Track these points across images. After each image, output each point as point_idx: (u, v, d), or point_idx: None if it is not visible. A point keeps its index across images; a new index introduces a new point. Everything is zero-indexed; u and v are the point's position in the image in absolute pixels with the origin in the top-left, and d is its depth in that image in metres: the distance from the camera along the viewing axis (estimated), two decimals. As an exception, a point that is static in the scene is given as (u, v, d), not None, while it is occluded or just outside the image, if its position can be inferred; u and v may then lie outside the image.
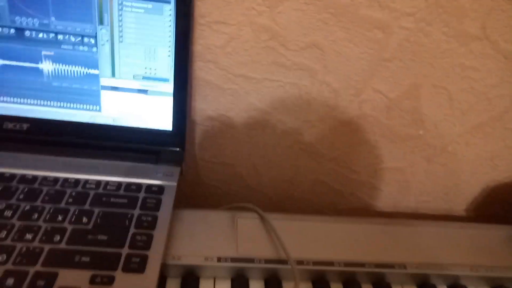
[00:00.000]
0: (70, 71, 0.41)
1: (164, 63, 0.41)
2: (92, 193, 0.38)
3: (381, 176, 0.55)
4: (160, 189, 0.40)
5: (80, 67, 0.41)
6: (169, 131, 0.44)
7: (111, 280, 0.31)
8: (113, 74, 0.42)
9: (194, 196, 0.56)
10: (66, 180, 0.39)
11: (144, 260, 0.33)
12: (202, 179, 0.55)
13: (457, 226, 0.45)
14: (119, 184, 0.40)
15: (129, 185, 0.40)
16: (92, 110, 0.43)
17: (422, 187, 0.56)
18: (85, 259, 0.32)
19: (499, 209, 0.58)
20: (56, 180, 0.39)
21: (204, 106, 0.47)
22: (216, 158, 0.53)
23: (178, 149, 0.44)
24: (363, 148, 0.52)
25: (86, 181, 0.39)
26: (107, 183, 0.40)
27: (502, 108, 0.49)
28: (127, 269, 0.32)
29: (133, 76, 0.42)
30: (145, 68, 0.41)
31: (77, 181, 0.39)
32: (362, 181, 0.55)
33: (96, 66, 0.41)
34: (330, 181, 0.55)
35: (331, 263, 0.38)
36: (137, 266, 0.32)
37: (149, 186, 0.40)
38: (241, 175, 0.55)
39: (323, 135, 0.51)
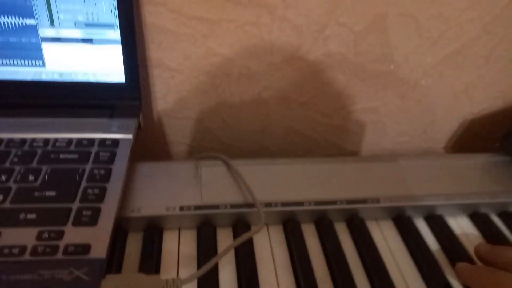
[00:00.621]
0: (5, 23, 0.38)
1: (106, 6, 0.38)
2: (39, 151, 0.36)
3: (355, 118, 0.53)
4: (115, 142, 0.37)
5: (15, 18, 0.38)
6: (122, 83, 0.41)
7: (60, 234, 0.29)
8: (52, 23, 0.38)
9: (163, 155, 0.54)
10: (10, 140, 0.36)
11: (96, 213, 0.31)
12: (169, 137, 0.52)
13: (432, 158, 0.43)
14: (70, 141, 0.37)
15: (80, 140, 0.37)
16: (36, 65, 0.40)
17: (398, 127, 0.54)
18: (31, 216, 0.30)
19: (479, 143, 0.57)
20: (-1, 141, 0.36)
21: (160, 55, 0.44)
22: (182, 113, 0.50)
23: (133, 101, 0.41)
24: (333, 90, 0.49)
25: (33, 140, 0.37)
26: (56, 140, 0.37)
27: (473, 34, 0.46)
28: (77, 223, 0.30)
29: (74, 23, 0.38)
30: (86, 13, 0.38)
31: (23, 141, 0.36)
32: (335, 125, 0.53)
33: (32, 15, 0.38)
34: (303, 128, 0.53)
35: (300, 203, 0.36)
36: (89, 219, 0.30)
37: (103, 140, 0.37)
38: (210, 130, 0.52)
39: (291, 78, 0.48)
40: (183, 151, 0.54)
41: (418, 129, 0.55)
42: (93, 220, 0.30)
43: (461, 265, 0.32)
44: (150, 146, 0.52)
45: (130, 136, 0.38)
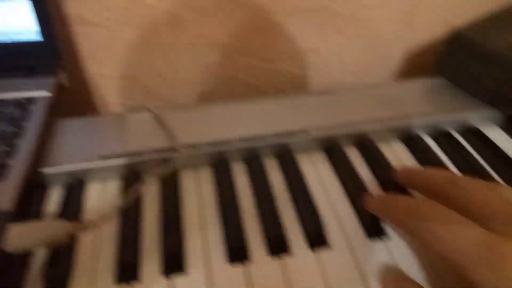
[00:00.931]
0: None
1: (3, -44, 0.36)
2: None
3: (297, 61, 0.51)
4: (30, 100, 0.36)
5: None
6: (38, 41, 0.39)
7: (-39, 191, 0.28)
8: None
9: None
10: None
11: (4, 168, 0.30)
12: (106, 98, 0.51)
13: (366, 87, 0.42)
14: (-20, 102, 0.35)
15: (-6, 101, 0.36)
16: None
17: (343, 66, 0.53)
18: None
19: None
20: None
21: (78, 10, 0.42)
22: (115, 71, 0.48)
23: (51, 59, 0.40)
24: (269, 32, 0.48)
25: None
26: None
27: (405, -43, 0.44)
28: (-16, 178, 0.29)
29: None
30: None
31: None
32: (278, 70, 0.52)
33: None
34: (244, 76, 0.52)
35: (227, 142, 0.35)
36: (-4, 174, 0.29)
37: (17, 100, 0.36)
38: (149, 87, 0.51)
39: (223, 23, 0.46)
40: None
41: (364, 66, 0.54)
42: (1, 175, 0.29)
43: (366, 196, 0.31)
44: (88, 109, 0.51)
45: (47, 94, 0.37)
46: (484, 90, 0.38)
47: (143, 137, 0.36)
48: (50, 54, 0.40)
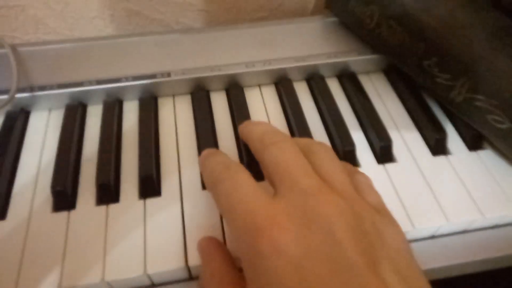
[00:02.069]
0: None
1: None
2: None
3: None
4: None
5: None
6: None
7: None
8: None
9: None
10: None
11: None
12: (-3, 31, 0.47)
13: (251, 25, 0.39)
14: None
15: None
16: None
17: (252, 1, 0.49)
18: None
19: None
20: None
21: None
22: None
23: None
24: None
25: None
26: None
27: None
28: None
29: None
30: None
31: None
32: (180, 3, 0.48)
33: None
34: (145, 10, 0.48)
35: (80, 84, 0.33)
36: None
37: None
38: (38, 18, 0.47)
39: None
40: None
41: (275, 1, 0.50)
42: None
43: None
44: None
45: None
46: (367, 33, 0.36)
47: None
48: None
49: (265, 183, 0.28)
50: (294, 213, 0.19)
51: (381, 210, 0.22)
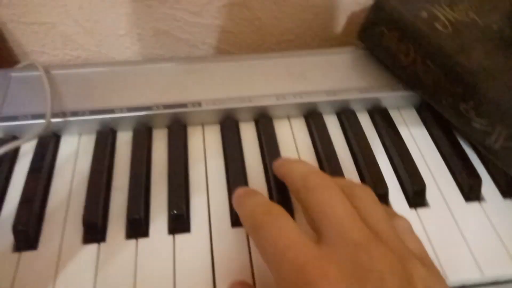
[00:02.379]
0: None
1: None
2: None
3: (227, 15, 0.47)
4: None
5: None
6: None
7: None
8: None
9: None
10: None
11: None
12: (25, 46, 0.48)
13: (284, 55, 0.39)
14: None
15: None
16: None
17: (278, 24, 0.49)
18: None
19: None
20: None
21: None
22: (27, 17, 0.45)
23: None
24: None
25: None
26: None
27: None
28: None
29: None
30: None
31: None
32: (207, 24, 0.48)
33: None
34: (172, 30, 0.48)
35: (111, 111, 0.33)
36: None
37: None
38: (67, 35, 0.47)
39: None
40: (46, 61, 0.50)
41: (302, 25, 0.50)
42: None
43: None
44: (6, 58, 0.48)
45: None
46: (401, 69, 0.35)
47: (25, 99, 0.34)
48: None
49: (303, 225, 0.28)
50: (345, 266, 0.19)
51: (424, 258, 0.22)
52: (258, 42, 0.51)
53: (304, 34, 0.51)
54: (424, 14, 0.34)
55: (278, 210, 0.22)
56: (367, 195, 0.23)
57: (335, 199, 0.22)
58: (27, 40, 0.47)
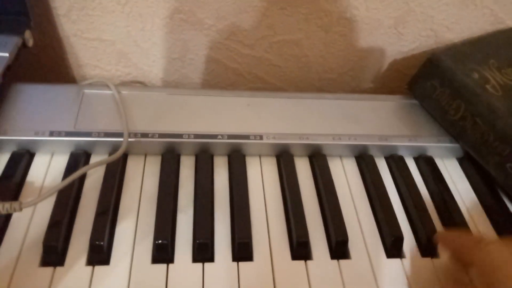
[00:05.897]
0: None
1: None
2: None
3: (277, 50, 0.50)
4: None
5: None
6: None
7: None
8: None
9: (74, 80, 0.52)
10: None
11: None
12: (81, 59, 0.50)
13: (336, 97, 0.41)
14: None
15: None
16: None
17: (324, 62, 0.52)
18: None
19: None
20: None
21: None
22: (90, 33, 0.47)
23: (16, 16, 0.38)
24: (252, 17, 0.46)
25: None
26: None
27: (403, -37, 0.42)
28: None
29: None
30: None
31: None
32: (258, 57, 0.51)
33: None
34: (224, 58, 0.51)
35: (179, 135, 0.35)
36: None
37: (-26, 58, 0.35)
38: (123, 53, 0.49)
39: (203, 1, 0.44)
40: (99, 75, 0.52)
41: (345, 66, 0.52)
42: None
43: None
44: (59, 68, 0.50)
45: (4, 54, 0.36)
46: (449, 123, 0.38)
47: (96, 116, 0.36)
48: (14, 10, 0.38)
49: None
50: None
51: None
52: (300, 77, 0.54)
53: (345, 75, 0.54)
54: (475, 75, 0.36)
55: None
56: None
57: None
58: (84, 54, 0.49)
